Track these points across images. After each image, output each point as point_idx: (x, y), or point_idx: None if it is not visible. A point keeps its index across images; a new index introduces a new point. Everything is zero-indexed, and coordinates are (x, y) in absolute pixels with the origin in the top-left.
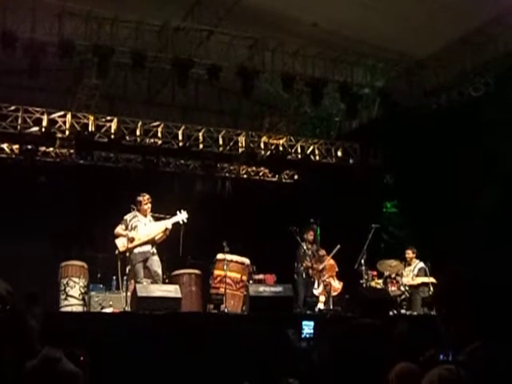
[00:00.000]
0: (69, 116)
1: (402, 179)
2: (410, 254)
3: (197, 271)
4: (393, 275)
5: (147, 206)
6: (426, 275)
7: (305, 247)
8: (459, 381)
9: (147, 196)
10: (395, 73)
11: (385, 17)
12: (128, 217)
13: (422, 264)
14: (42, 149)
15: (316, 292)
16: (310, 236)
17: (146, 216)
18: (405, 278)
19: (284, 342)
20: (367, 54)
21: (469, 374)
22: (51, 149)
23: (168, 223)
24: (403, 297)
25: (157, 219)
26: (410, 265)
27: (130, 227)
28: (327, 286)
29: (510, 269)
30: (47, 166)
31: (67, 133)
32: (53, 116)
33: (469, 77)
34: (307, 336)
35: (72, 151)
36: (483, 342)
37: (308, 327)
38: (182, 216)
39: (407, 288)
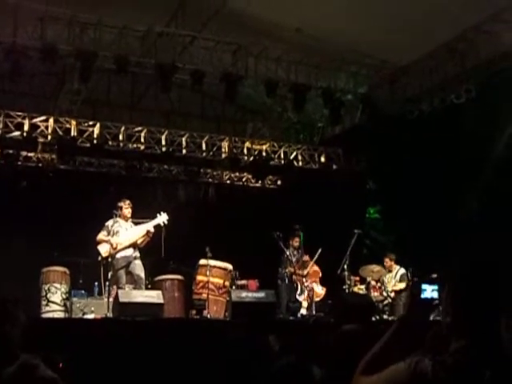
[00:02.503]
0: (51, 121)
1: (385, 185)
2: (387, 261)
3: (179, 277)
4: (375, 281)
5: (128, 211)
6: (408, 281)
7: (288, 253)
8: (434, 377)
9: (128, 201)
10: (378, 79)
11: (368, 23)
12: (109, 223)
13: (403, 270)
14: (24, 153)
15: (299, 298)
16: (295, 242)
17: (127, 221)
18: (387, 285)
19: (265, 348)
20: (350, 60)
21: (445, 374)
22: (33, 154)
23: (149, 226)
24: (386, 302)
25: (137, 224)
26: (390, 271)
27: (111, 233)
28: (310, 291)
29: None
30: (29, 170)
31: (49, 138)
32: (35, 121)
33: (450, 84)
34: None
35: (54, 156)
36: (468, 341)
37: None
38: (162, 218)
39: (390, 293)
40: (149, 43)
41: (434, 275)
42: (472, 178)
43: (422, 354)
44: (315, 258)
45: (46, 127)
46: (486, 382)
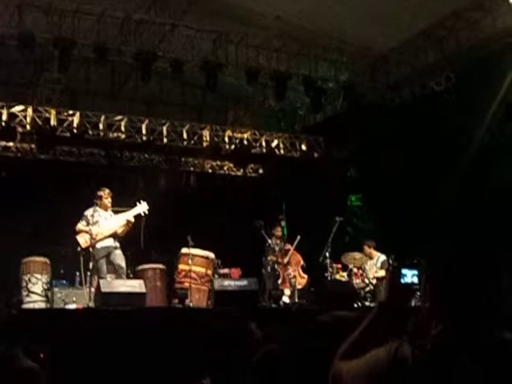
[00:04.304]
0: (30, 110)
1: (366, 173)
2: (367, 249)
3: (161, 266)
4: (357, 268)
5: (108, 201)
6: (388, 268)
7: (270, 242)
8: (414, 362)
9: (107, 190)
10: (359, 67)
11: (349, 11)
12: (88, 212)
13: (384, 257)
14: (2, 143)
15: (281, 286)
16: (277, 232)
17: (106, 210)
18: (369, 272)
19: (247, 336)
20: (331, 47)
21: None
22: (11, 143)
23: (129, 215)
24: (367, 289)
25: (118, 213)
26: (371, 258)
27: (91, 222)
28: (292, 279)
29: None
30: (7, 161)
31: (28, 127)
32: (13, 110)
33: (431, 71)
34: None
35: (33, 146)
36: (447, 326)
37: None
38: (142, 207)
39: (371, 280)
40: (128, 31)
41: (415, 260)
42: (452, 164)
43: (402, 340)
44: (294, 245)
45: (25, 116)
46: (464, 367)
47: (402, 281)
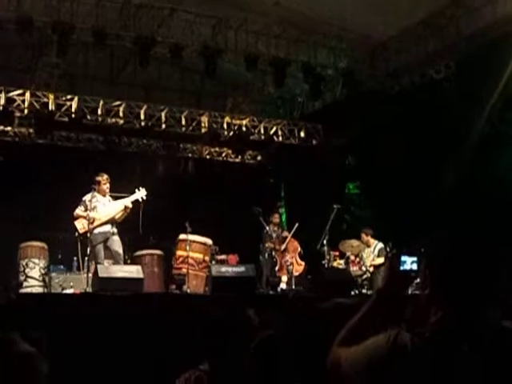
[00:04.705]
0: (28, 94)
1: (364, 160)
2: (364, 236)
3: (159, 252)
4: (354, 255)
5: (106, 186)
6: (386, 254)
7: (267, 228)
8: (413, 350)
9: (106, 176)
10: (358, 54)
11: None
12: (87, 198)
13: (381, 244)
14: (0, 128)
15: (278, 273)
16: (275, 219)
17: (104, 196)
18: (366, 259)
19: (245, 322)
20: (331, 34)
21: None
22: (9, 128)
23: (127, 201)
24: (365, 277)
25: (116, 199)
26: (369, 246)
27: (89, 208)
28: (289, 266)
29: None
30: (5, 145)
31: (26, 112)
32: (11, 94)
33: (431, 59)
34: None
35: (31, 130)
36: (446, 313)
37: None
38: (140, 193)
39: (369, 268)
40: (127, 15)
41: (413, 247)
42: (452, 153)
43: (400, 327)
44: (292, 232)
45: (23, 101)
46: (463, 355)
47: (401, 268)
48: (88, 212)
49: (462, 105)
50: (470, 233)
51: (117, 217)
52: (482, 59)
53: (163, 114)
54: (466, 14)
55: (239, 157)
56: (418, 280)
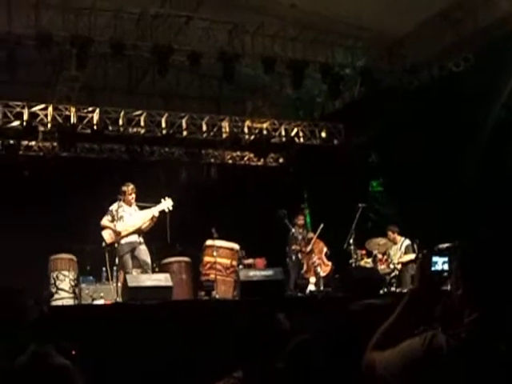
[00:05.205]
0: (50, 109)
1: (387, 157)
2: (390, 234)
3: (186, 259)
4: (381, 253)
5: (132, 196)
6: (413, 252)
7: (293, 230)
8: (449, 351)
9: (132, 186)
10: (376, 51)
11: None
12: (113, 207)
13: (408, 241)
14: (25, 143)
15: (305, 275)
16: (300, 220)
17: (131, 206)
18: (393, 257)
19: (275, 327)
20: (347, 33)
21: (459, 347)
22: (34, 142)
23: (154, 211)
24: (393, 274)
25: (142, 208)
26: (395, 243)
27: (116, 218)
28: (317, 267)
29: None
30: (30, 160)
31: (49, 126)
32: (34, 109)
33: (449, 53)
34: None
35: (55, 144)
36: (481, 314)
37: None
38: (167, 204)
39: (396, 266)
40: (144, 26)
41: (443, 245)
42: (472, 145)
43: (434, 328)
44: (317, 233)
45: (46, 115)
46: (501, 356)
47: (433, 268)
48: (115, 222)
49: (481, 97)
50: (502, 232)
51: (143, 226)
52: (499, 51)
53: (184, 122)
54: (482, 6)
55: (261, 160)
56: (450, 280)
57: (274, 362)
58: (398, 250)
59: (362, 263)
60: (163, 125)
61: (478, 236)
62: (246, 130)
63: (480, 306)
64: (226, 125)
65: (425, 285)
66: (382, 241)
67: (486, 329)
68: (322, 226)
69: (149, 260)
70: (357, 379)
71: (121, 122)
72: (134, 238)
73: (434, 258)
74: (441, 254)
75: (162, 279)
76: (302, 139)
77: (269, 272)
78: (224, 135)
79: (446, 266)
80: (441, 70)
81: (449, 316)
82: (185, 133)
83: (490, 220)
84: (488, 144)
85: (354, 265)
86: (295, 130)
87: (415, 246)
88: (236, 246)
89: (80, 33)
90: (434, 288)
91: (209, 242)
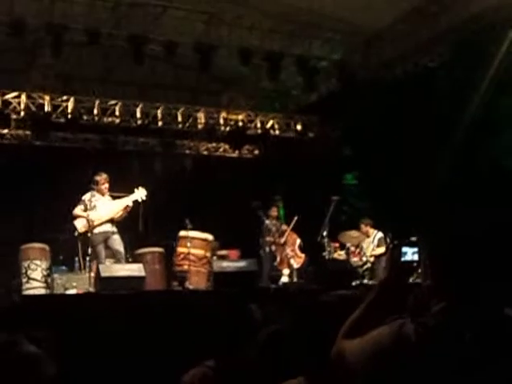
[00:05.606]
0: (23, 96)
1: (361, 151)
2: (363, 227)
3: (160, 249)
4: (354, 246)
5: (105, 186)
6: (387, 244)
7: (267, 222)
8: (417, 340)
9: (105, 175)
10: (352, 45)
11: None
12: (86, 197)
13: (380, 234)
14: None
15: (279, 266)
16: (273, 212)
17: (103, 195)
18: (366, 250)
19: (247, 317)
20: (324, 26)
21: (426, 335)
22: (6, 130)
23: (128, 200)
24: (365, 267)
25: (115, 198)
26: (368, 236)
27: (88, 207)
28: (290, 259)
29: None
30: (3, 148)
31: (22, 114)
32: (7, 97)
33: (424, 48)
34: None
35: (28, 132)
36: (448, 303)
37: None
38: (140, 193)
39: (369, 258)
40: (120, 14)
41: (414, 238)
42: (446, 139)
43: (403, 317)
44: (291, 226)
45: (19, 103)
46: (466, 344)
47: (403, 259)
48: (88, 212)
49: (456, 92)
50: (471, 222)
51: (117, 216)
52: (474, 46)
53: (159, 112)
54: (458, 1)
55: (236, 152)
56: (420, 270)
57: (246, 351)
58: (371, 243)
59: (336, 256)
60: (138, 115)
61: (445, 227)
62: (221, 121)
63: (447, 296)
64: (201, 116)
65: (395, 275)
66: (355, 234)
67: (453, 317)
68: (296, 218)
69: (122, 249)
70: (328, 368)
71: (95, 112)
72: (107, 227)
73: (404, 249)
74: (411, 244)
75: (135, 269)
76: (277, 131)
77: (242, 263)
78: (199, 126)
79: (415, 257)
80: (416, 65)
81: (419, 306)
82: (160, 123)
83: (460, 212)
84: (464, 140)
85: (327, 257)
86: (271, 122)
87: (388, 239)
88: (210, 237)
89: (55, 20)
90: (403, 278)
91: (182, 233)
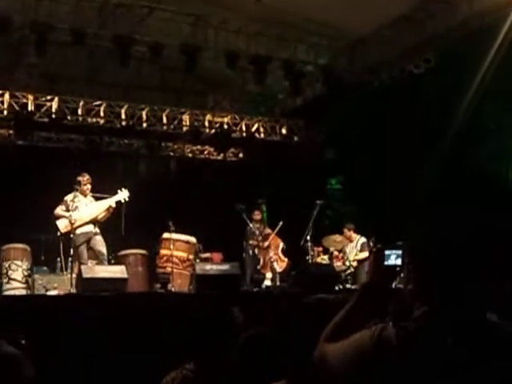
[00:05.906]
0: (7, 95)
1: (345, 155)
2: (346, 232)
3: (143, 251)
4: (338, 251)
5: (87, 187)
6: (370, 249)
7: (250, 225)
8: (398, 344)
9: (87, 176)
10: (338, 50)
11: None
12: (68, 198)
13: (363, 239)
14: None
15: (262, 270)
16: (257, 216)
17: (86, 196)
18: (349, 254)
19: (229, 320)
20: (310, 31)
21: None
22: None
23: (111, 201)
24: (348, 272)
25: (98, 199)
26: (351, 241)
27: (71, 208)
28: (273, 262)
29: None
30: None
31: (5, 113)
32: None
33: (410, 54)
34: None
35: (11, 132)
36: (430, 307)
37: None
38: (123, 194)
39: (352, 263)
40: (106, 15)
41: (398, 242)
42: (432, 146)
43: (385, 321)
44: (276, 230)
45: (2, 102)
46: (447, 348)
47: (386, 262)
48: (70, 212)
49: (442, 98)
50: (454, 227)
51: (99, 217)
52: (460, 53)
53: (144, 113)
54: (444, 8)
55: (221, 154)
56: (402, 274)
57: (227, 354)
58: (354, 248)
59: (319, 260)
60: (123, 116)
61: (429, 231)
62: (206, 123)
63: (429, 300)
64: (186, 118)
65: (378, 278)
66: (338, 238)
67: (434, 322)
68: (280, 223)
69: (104, 250)
70: (310, 371)
71: (80, 112)
72: (90, 228)
73: (387, 252)
74: (394, 248)
75: (117, 271)
76: (262, 135)
77: (225, 266)
78: (184, 128)
79: (398, 261)
80: (401, 71)
81: (401, 310)
82: (145, 125)
83: (443, 217)
84: (450, 146)
85: (310, 261)
86: (256, 126)
87: (371, 244)
88: (193, 240)
89: (40, 19)
90: (386, 281)
91: (166, 235)
